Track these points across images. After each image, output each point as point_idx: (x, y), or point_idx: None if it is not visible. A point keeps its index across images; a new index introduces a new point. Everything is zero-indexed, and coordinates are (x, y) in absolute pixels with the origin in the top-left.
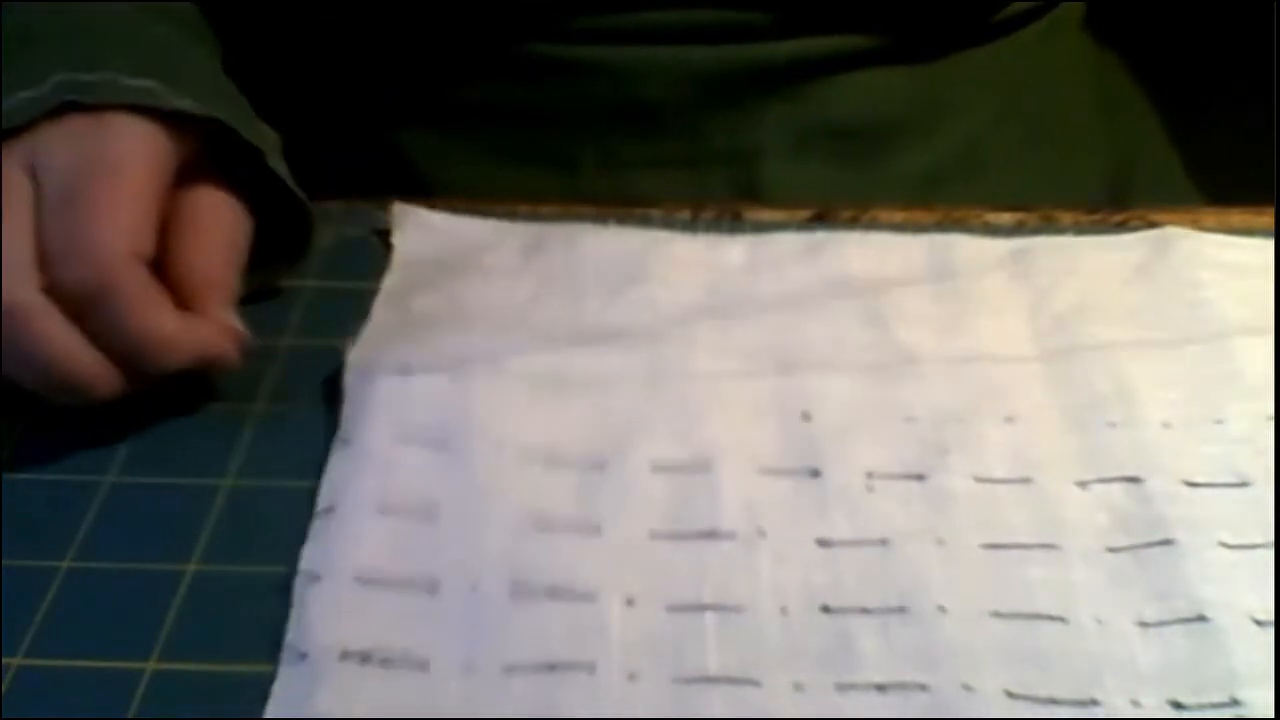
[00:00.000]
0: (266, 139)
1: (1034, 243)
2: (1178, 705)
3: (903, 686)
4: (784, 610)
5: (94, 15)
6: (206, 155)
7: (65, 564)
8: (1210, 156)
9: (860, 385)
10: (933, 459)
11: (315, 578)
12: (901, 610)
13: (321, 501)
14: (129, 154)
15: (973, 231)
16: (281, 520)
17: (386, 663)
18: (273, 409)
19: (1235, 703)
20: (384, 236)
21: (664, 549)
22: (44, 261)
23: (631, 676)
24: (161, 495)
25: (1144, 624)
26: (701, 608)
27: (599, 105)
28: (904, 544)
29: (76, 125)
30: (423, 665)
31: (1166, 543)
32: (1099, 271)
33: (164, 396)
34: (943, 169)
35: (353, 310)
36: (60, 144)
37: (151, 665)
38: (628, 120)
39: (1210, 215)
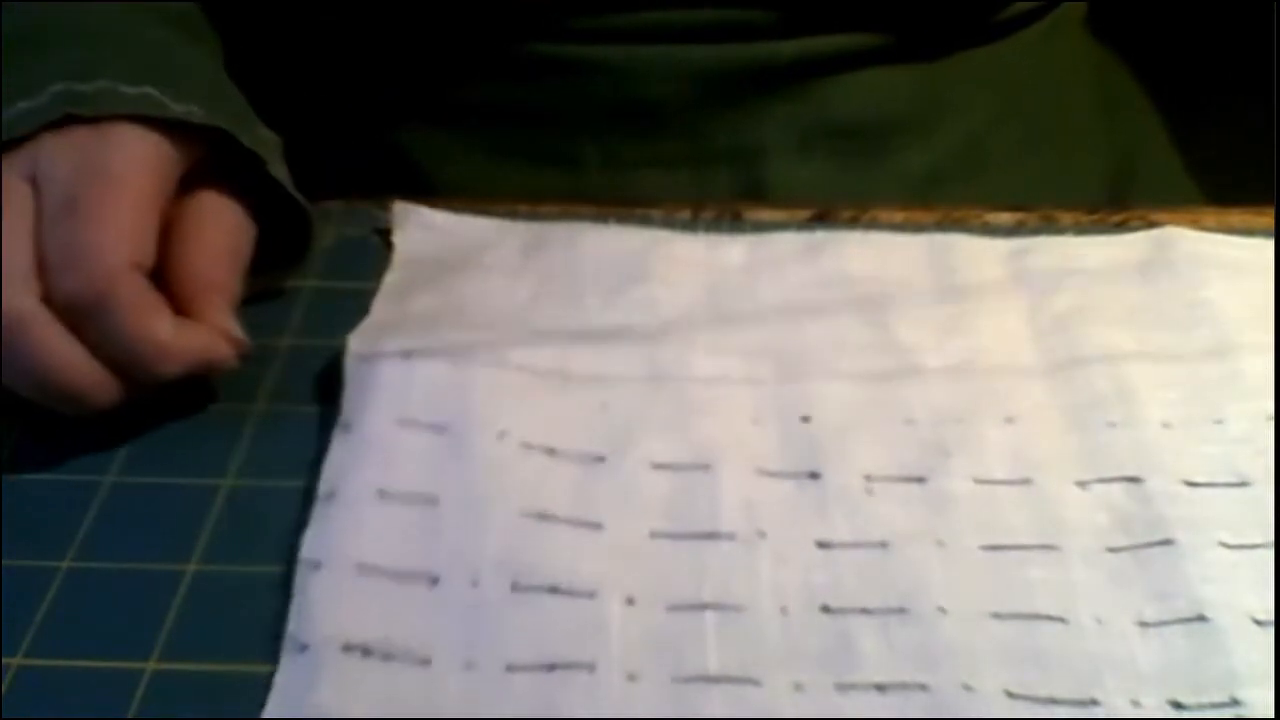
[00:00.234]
0: (267, 143)
1: (1034, 243)
2: (1178, 705)
3: (903, 686)
4: (784, 610)
5: (91, 18)
6: (208, 160)
7: (65, 564)
8: (1210, 156)
9: (860, 386)
10: (932, 460)
11: (316, 566)
12: (901, 611)
13: (322, 487)
14: (129, 164)
15: (973, 231)
16: (281, 520)
17: (388, 657)
18: (273, 409)
19: (1235, 703)
20: (385, 236)
21: (664, 549)
22: (43, 271)
23: (631, 676)
24: (161, 495)
25: (1144, 624)
26: (702, 607)
27: (601, 104)
28: (904, 545)
29: (77, 135)
30: (424, 661)
31: (1166, 543)
32: (1099, 271)
33: (164, 397)
34: (944, 168)
35: (353, 310)
36: (61, 154)
37: (151, 665)
38: (630, 120)
39: (1210, 215)
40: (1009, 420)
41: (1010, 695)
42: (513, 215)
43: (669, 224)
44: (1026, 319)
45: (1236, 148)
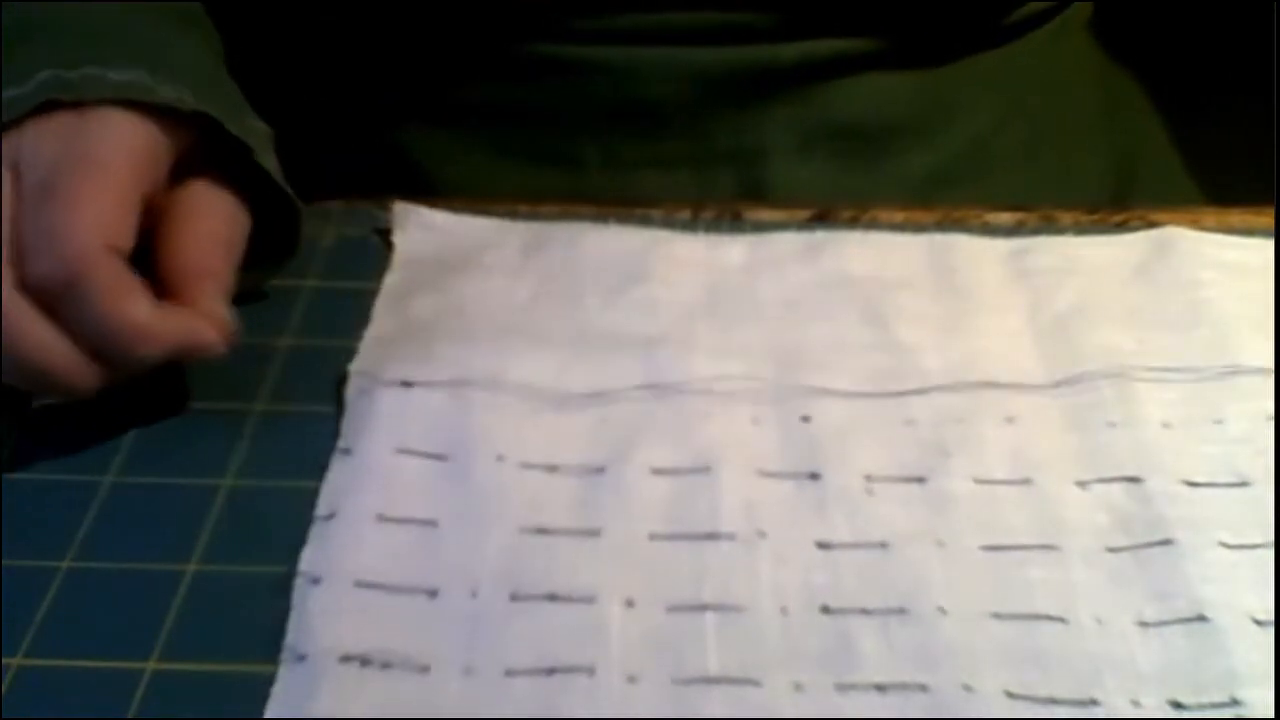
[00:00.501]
0: (256, 133)
1: (1034, 243)
2: (1178, 705)
3: (903, 687)
4: (784, 610)
5: (86, 12)
6: (200, 150)
7: (65, 564)
8: (1210, 156)
9: (860, 386)
10: (932, 460)
11: (315, 580)
12: (901, 611)
13: (321, 508)
14: (108, 147)
15: (973, 231)
16: (281, 520)
17: (386, 666)
18: (273, 409)
19: (1235, 703)
20: (385, 236)
21: (664, 550)
22: (20, 255)
23: (631, 678)
24: (161, 495)
25: (1144, 624)
26: (701, 608)
27: (602, 105)
28: (904, 546)
29: (60, 122)
30: (423, 668)
31: (1166, 543)
32: (1099, 271)
33: (164, 397)
34: (947, 170)
35: (353, 310)
36: (44, 140)
37: (151, 665)
38: (631, 120)
39: (1210, 215)
40: (1009, 420)
41: (1010, 695)
42: (513, 215)
43: (669, 224)
44: (1026, 319)
45: (1236, 148)
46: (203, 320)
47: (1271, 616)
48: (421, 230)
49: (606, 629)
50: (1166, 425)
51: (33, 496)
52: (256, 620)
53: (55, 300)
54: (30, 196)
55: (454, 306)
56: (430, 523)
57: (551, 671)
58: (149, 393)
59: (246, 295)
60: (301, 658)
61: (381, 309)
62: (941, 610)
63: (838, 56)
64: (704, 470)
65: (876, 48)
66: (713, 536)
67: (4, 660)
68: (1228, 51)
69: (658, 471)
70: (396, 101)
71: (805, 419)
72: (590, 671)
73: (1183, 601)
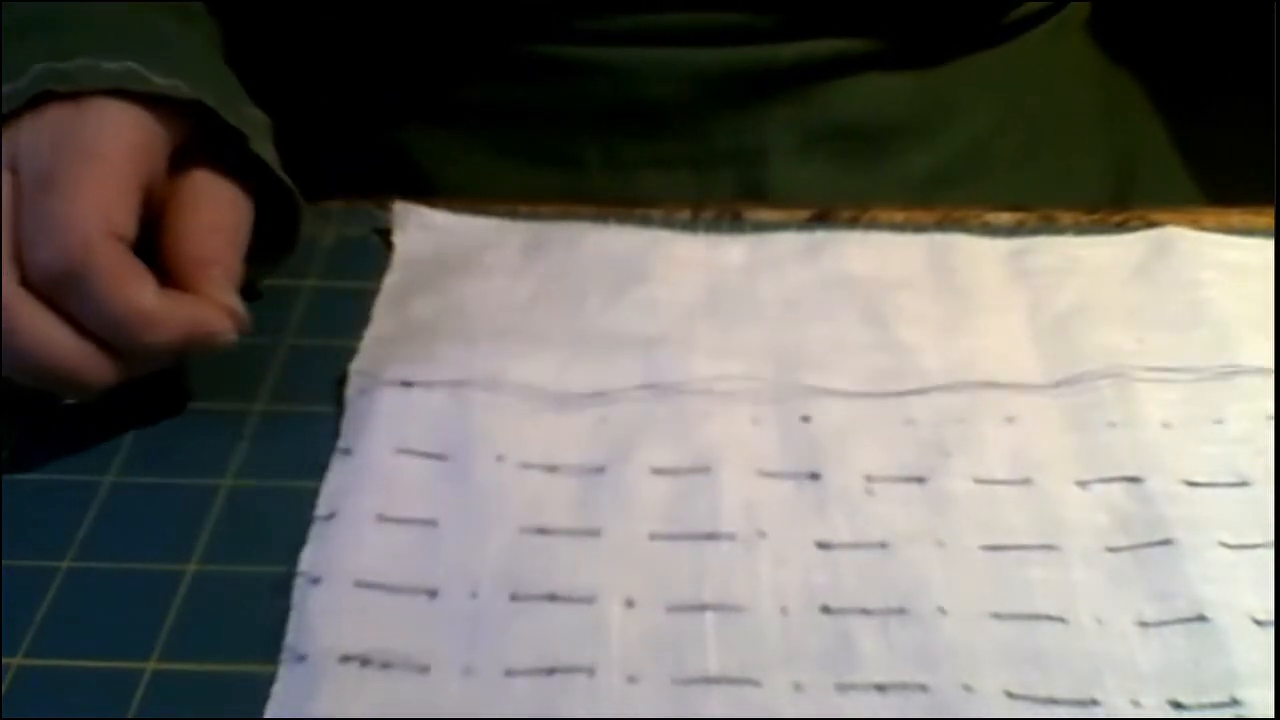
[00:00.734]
0: (253, 121)
1: (1034, 243)
2: (1178, 705)
3: (903, 687)
4: (784, 610)
5: (84, 9)
6: (199, 140)
7: (65, 564)
8: (1210, 156)
9: (860, 386)
10: (932, 460)
11: (315, 580)
12: (901, 611)
13: (321, 508)
14: (104, 136)
15: (973, 231)
16: (281, 520)
17: (386, 666)
18: (273, 409)
19: (1235, 703)
20: (385, 236)
21: (664, 550)
22: (21, 250)
23: (631, 678)
24: (161, 495)
25: (1144, 624)
26: (701, 608)
27: (602, 105)
28: (904, 545)
29: (55, 114)
30: (423, 668)
31: (1166, 543)
32: (1099, 271)
33: (164, 396)
34: (946, 170)
35: (353, 310)
36: (40, 133)
37: (151, 665)
38: (632, 120)
39: (1210, 215)
40: (1009, 420)
41: (1010, 695)
42: (513, 215)
43: (669, 224)
44: (1026, 319)
45: (1236, 148)
46: (212, 308)
47: (1271, 616)
48: (421, 230)
49: (606, 629)
50: (1166, 425)
51: (33, 496)
52: (256, 620)
53: (59, 292)
54: (28, 189)
55: (454, 306)
56: (430, 523)
57: (551, 671)
58: (149, 393)
59: (246, 294)
60: (301, 658)
61: (381, 309)
62: (941, 610)
63: (837, 56)
64: (704, 470)
65: (875, 48)
66: (713, 536)
67: (4, 660)
68: (1228, 51)
69: (658, 471)
70: (397, 101)
71: (805, 419)
72: (590, 671)
73: (1183, 601)
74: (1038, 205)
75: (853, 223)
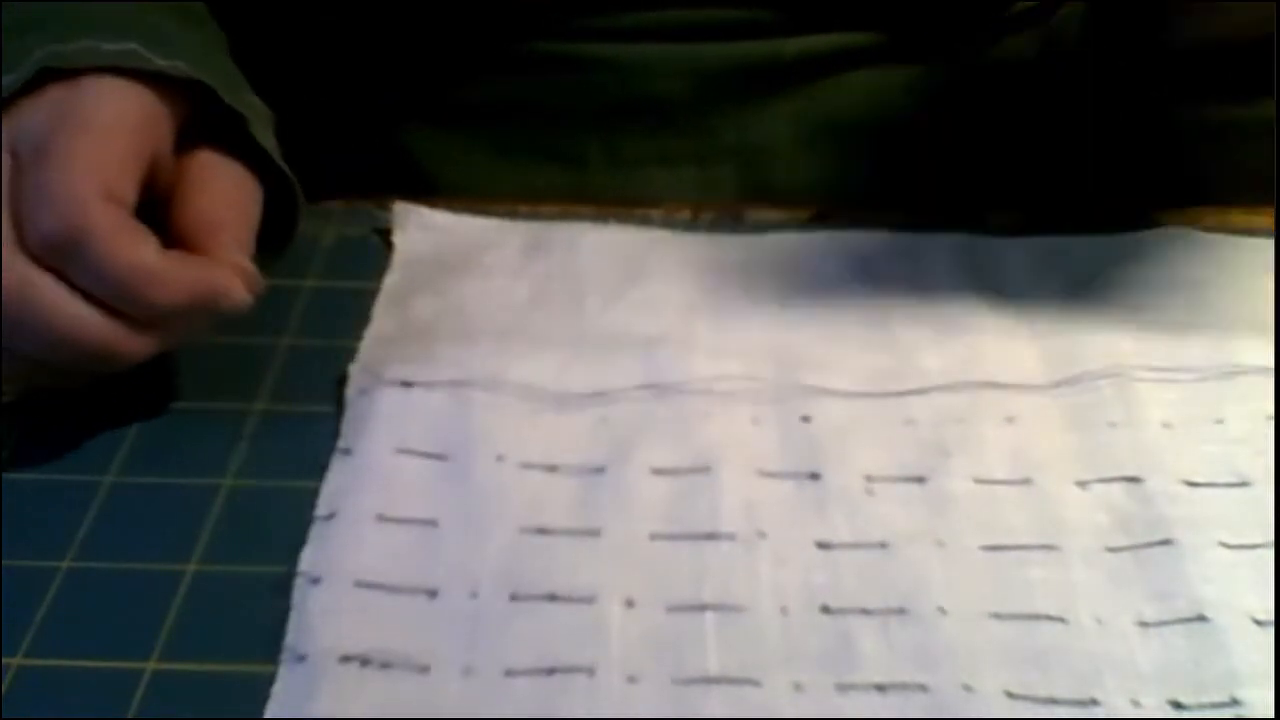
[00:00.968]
0: (254, 108)
1: (1034, 242)
2: (1178, 705)
3: (903, 687)
4: (784, 610)
5: (87, 6)
6: (198, 124)
7: (65, 564)
8: (1210, 157)
9: (860, 386)
10: (933, 461)
11: (315, 580)
12: (901, 611)
13: (321, 508)
14: (101, 108)
15: (972, 231)
16: (281, 520)
17: (386, 666)
18: (273, 409)
19: (1235, 703)
20: (385, 236)
21: (664, 550)
22: (22, 224)
23: (631, 678)
24: (161, 495)
25: (1144, 624)
26: (701, 608)
27: (605, 102)
28: (904, 545)
29: (53, 92)
30: (423, 668)
31: (1166, 543)
32: (1099, 271)
33: (164, 396)
34: (946, 168)
35: (353, 310)
36: (38, 111)
37: (151, 665)
38: (634, 117)
39: (1210, 215)
40: (1009, 420)
41: (1010, 695)
42: (513, 215)
43: (669, 224)
44: (1027, 319)
45: (1236, 148)
46: (221, 267)
47: (1271, 616)
48: (421, 230)
49: (606, 629)
50: (1166, 425)
51: (33, 496)
52: (256, 620)
53: (63, 259)
54: (26, 165)
55: (454, 306)
56: (430, 523)
57: (551, 671)
58: (149, 393)
59: None
60: (301, 658)
61: (381, 309)
62: (941, 610)
63: (839, 51)
64: (704, 470)
65: (878, 42)
66: (713, 536)
67: (4, 660)
68: (1226, 51)
69: (658, 471)
70: (398, 101)
71: (805, 419)
72: (590, 671)
73: (1183, 601)
74: (1034, 204)
75: (853, 223)
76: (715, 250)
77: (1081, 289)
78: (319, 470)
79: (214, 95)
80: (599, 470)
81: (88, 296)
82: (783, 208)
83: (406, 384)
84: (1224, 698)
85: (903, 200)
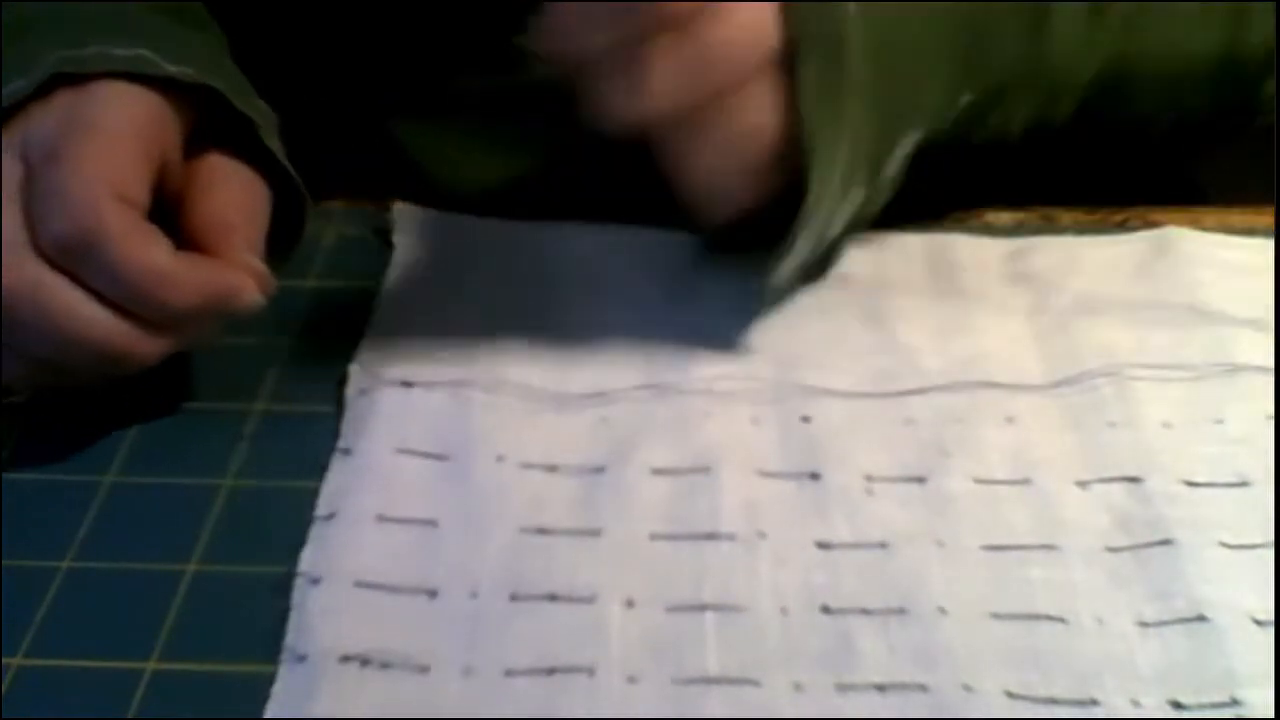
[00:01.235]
0: (261, 112)
1: (1034, 242)
2: (1178, 705)
3: (903, 687)
4: (784, 610)
5: (93, 8)
6: (207, 130)
7: (65, 564)
8: (1211, 157)
9: (860, 387)
10: (933, 461)
11: (315, 580)
12: (901, 611)
13: (321, 508)
14: (110, 111)
15: (973, 231)
16: (281, 520)
17: (386, 666)
18: (273, 409)
19: (1235, 703)
20: (385, 236)
21: (664, 550)
22: (34, 227)
23: (631, 678)
24: (161, 495)
25: (1144, 624)
26: (701, 608)
27: None
28: (904, 545)
29: (63, 98)
30: (423, 668)
31: (1166, 543)
32: (1099, 271)
33: (164, 396)
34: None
35: (353, 310)
36: (48, 117)
37: (151, 665)
38: None
39: (1210, 215)
40: (1009, 420)
41: (1010, 695)
42: (512, 215)
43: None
44: (1026, 319)
45: (1236, 148)
46: (232, 268)
47: (1271, 616)
48: (421, 230)
49: (606, 629)
50: (1166, 425)
51: (33, 496)
52: (256, 620)
53: (75, 262)
54: (36, 169)
55: (454, 307)
56: (430, 523)
57: (551, 671)
58: (149, 393)
59: None
60: (301, 658)
61: (381, 309)
62: (941, 610)
63: None
64: (704, 470)
65: None
66: (713, 536)
67: (4, 660)
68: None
69: (658, 471)
70: (397, 101)
71: (805, 419)
72: (590, 671)
73: (1183, 601)
74: (1037, 205)
75: None
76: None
77: (1081, 289)
78: (319, 470)
79: (222, 99)
80: (599, 470)
81: (100, 298)
82: None
83: (406, 384)
84: (1224, 698)
85: (902, 200)
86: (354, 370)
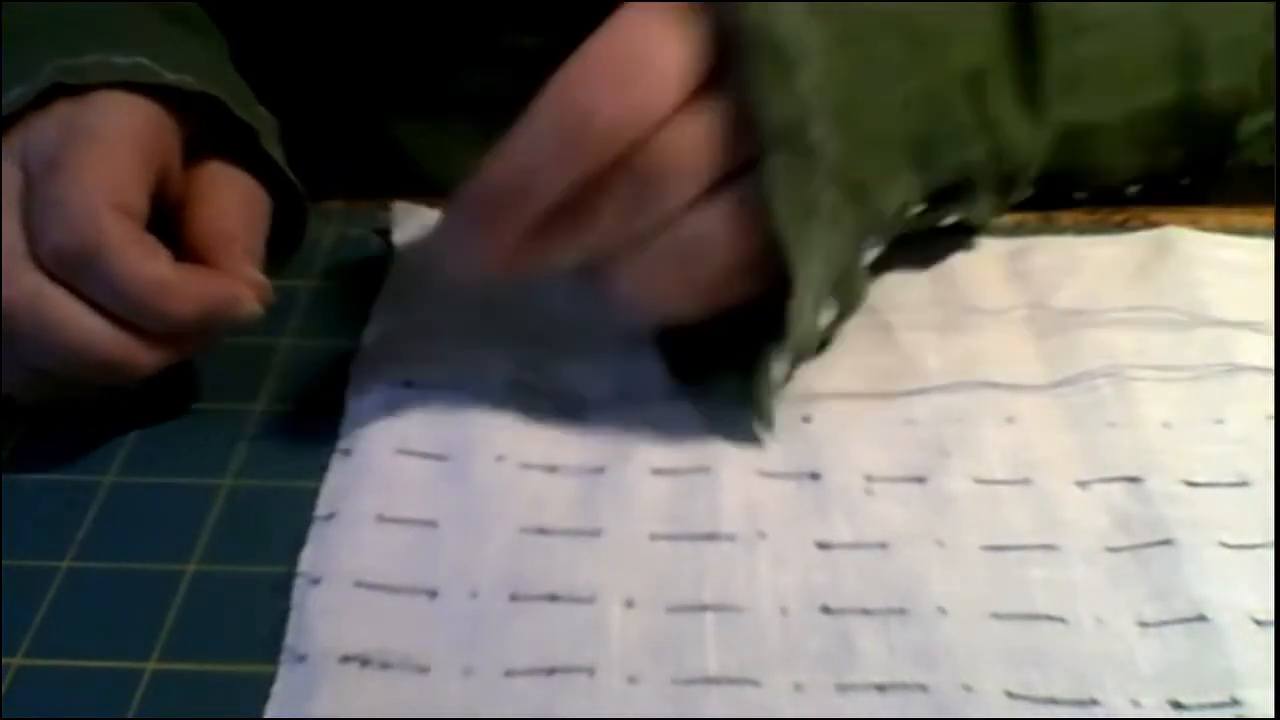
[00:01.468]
0: (263, 120)
1: (1033, 242)
2: (1178, 705)
3: (903, 687)
4: (784, 611)
5: (88, 11)
6: (207, 137)
7: (65, 564)
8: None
9: (860, 386)
10: (932, 461)
11: (315, 580)
12: (901, 611)
13: (321, 509)
14: (109, 121)
15: (973, 232)
16: (281, 520)
17: (386, 666)
18: (273, 409)
19: (1235, 703)
20: (385, 236)
21: (664, 550)
22: (34, 238)
23: (631, 678)
24: (161, 495)
25: (1144, 624)
26: (701, 608)
27: None
28: (904, 545)
29: (62, 107)
30: (423, 668)
31: (1166, 543)
32: (1099, 271)
33: (164, 396)
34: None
35: (353, 310)
36: (48, 127)
37: (151, 665)
38: None
39: (1210, 215)
40: (1009, 420)
41: (1010, 695)
42: None
43: None
44: (1026, 319)
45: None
46: (232, 279)
47: (1271, 616)
48: (421, 230)
49: (606, 629)
50: (1166, 425)
51: (33, 496)
52: (256, 620)
53: (75, 273)
54: (35, 180)
55: (454, 306)
56: (430, 523)
57: (551, 672)
58: (149, 393)
59: None
60: (301, 658)
61: (381, 309)
62: (941, 610)
63: None
64: (704, 470)
65: None
66: (713, 537)
67: (4, 660)
68: None
69: (657, 471)
70: (397, 100)
71: (805, 419)
72: (590, 672)
73: (1183, 601)
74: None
75: None
76: None
77: (1081, 289)
78: (319, 470)
79: (222, 106)
80: (599, 470)
81: (100, 309)
82: None
83: (407, 384)
84: (1224, 698)
85: None
86: (354, 370)
